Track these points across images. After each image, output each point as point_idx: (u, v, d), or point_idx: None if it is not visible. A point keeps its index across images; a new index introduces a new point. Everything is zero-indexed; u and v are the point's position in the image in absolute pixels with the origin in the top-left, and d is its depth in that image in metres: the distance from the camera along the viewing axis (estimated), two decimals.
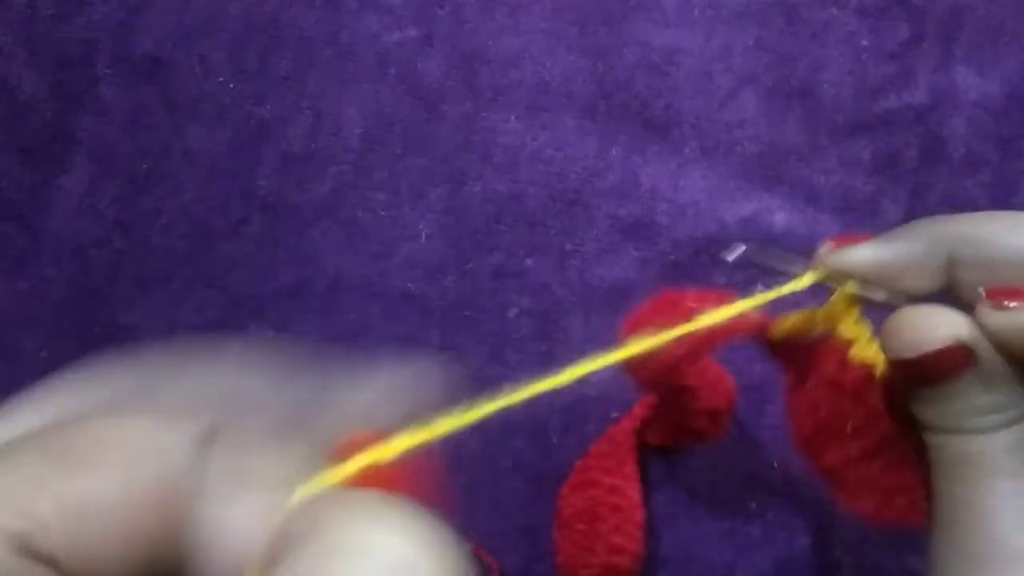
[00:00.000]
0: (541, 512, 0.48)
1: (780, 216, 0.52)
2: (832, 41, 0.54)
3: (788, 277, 0.34)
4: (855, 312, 0.33)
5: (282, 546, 0.19)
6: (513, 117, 0.54)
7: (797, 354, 0.33)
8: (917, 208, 0.53)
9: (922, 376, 0.30)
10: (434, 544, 0.18)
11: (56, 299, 0.53)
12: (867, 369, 0.32)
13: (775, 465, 0.49)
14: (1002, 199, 0.53)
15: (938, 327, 0.30)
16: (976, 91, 0.54)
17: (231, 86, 0.55)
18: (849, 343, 0.32)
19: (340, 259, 0.53)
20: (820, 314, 0.33)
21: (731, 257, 0.34)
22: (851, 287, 0.32)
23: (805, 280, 0.33)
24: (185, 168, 0.54)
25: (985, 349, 0.30)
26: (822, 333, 0.33)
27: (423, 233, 0.53)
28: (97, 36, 0.56)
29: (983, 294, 0.30)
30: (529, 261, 0.52)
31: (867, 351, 0.32)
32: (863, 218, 0.52)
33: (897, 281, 0.32)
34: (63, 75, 0.55)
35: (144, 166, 0.54)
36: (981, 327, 0.30)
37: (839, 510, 0.31)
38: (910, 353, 0.30)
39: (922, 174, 0.53)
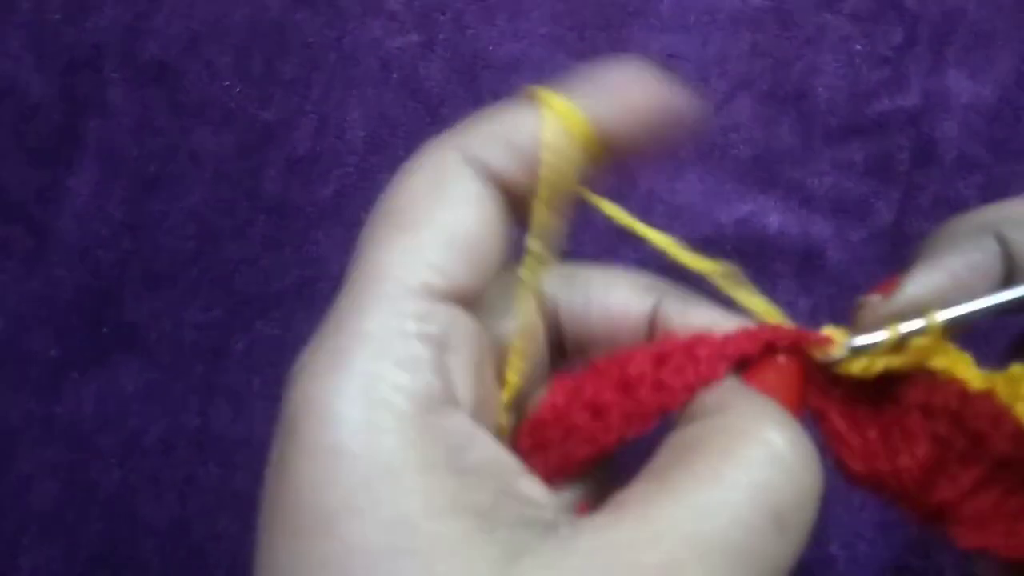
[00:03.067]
0: None
1: (774, 218, 0.53)
2: (826, 46, 0.55)
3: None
4: (946, 343, 0.29)
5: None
6: None
7: (863, 388, 0.29)
8: (909, 210, 0.53)
9: None
10: (809, 454, 0.22)
11: (65, 299, 0.54)
12: (966, 389, 0.28)
13: None
14: (994, 201, 0.53)
15: None
16: (968, 94, 0.55)
17: (237, 90, 0.55)
18: (937, 369, 0.29)
19: (344, 260, 0.53)
20: (907, 355, 0.29)
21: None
22: (936, 322, 0.28)
23: (885, 347, 0.28)
24: (192, 170, 0.55)
25: None
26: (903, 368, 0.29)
27: None
28: (105, 40, 0.56)
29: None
30: None
31: (960, 370, 0.29)
32: (856, 220, 0.53)
33: (964, 297, 0.28)
34: (71, 79, 0.56)
35: (151, 168, 0.55)
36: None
37: (960, 548, 0.28)
38: None
39: (915, 176, 0.54)
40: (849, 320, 0.30)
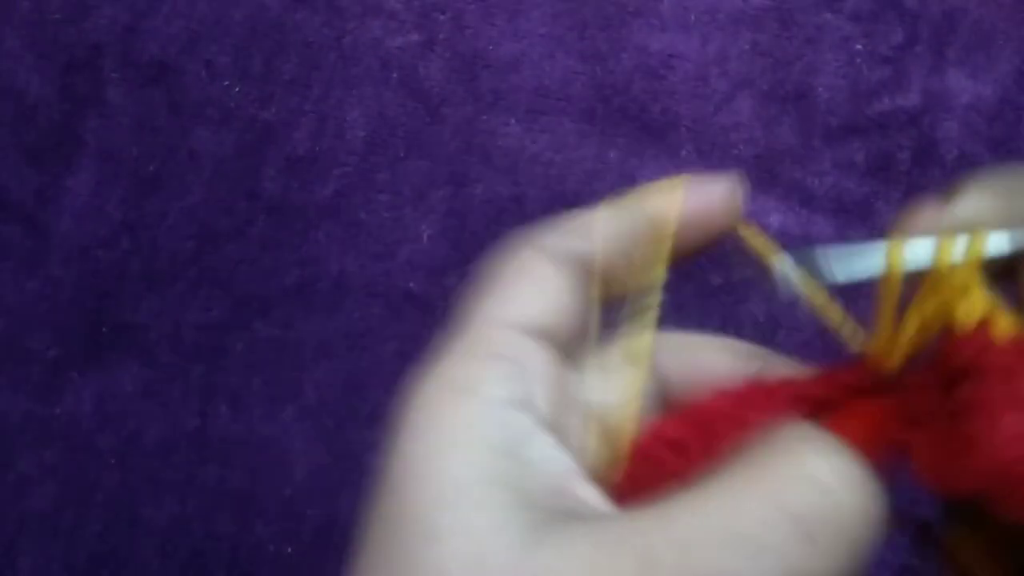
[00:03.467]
0: None
1: (775, 217, 0.53)
2: (826, 45, 0.55)
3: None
4: (977, 284, 0.25)
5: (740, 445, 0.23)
6: (513, 120, 0.54)
7: (916, 373, 0.25)
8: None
9: None
10: (855, 478, 0.21)
11: (64, 299, 0.54)
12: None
13: None
14: None
15: None
16: (969, 94, 0.55)
17: (236, 90, 0.55)
18: (983, 321, 0.25)
19: (343, 259, 0.53)
20: (933, 306, 0.25)
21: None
22: (978, 249, 0.24)
23: (942, 255, 0.24)
24: (191, 170, 0.55)
25: None
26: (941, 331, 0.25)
27: (425, 234, 0.54)
28: (104, 40, 0.56)
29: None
30: None
31: (1005, 319, 0.24)
32: (857, 220, 0.53)
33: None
34: (70, 79, 0.56)
35: (150, 168, 0.55)
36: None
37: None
38: None
39: (915, 176, 0.54)
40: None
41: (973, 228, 0.25)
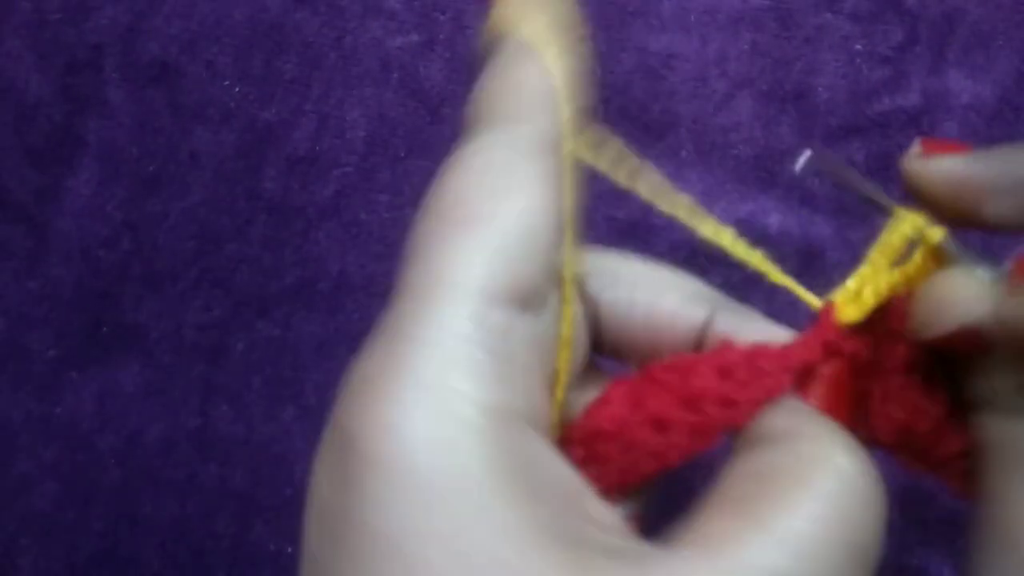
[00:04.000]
0: None
1: (775, 218, 0.53)
2: (826, 45, 0.55)
3: (860, 200, 0.29)
4: (932, 266, 0.28)
5: (759, 433, 0.23)
6: None
7: (874, 334, 0.28)
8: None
9: (953, 350, 0.26)
10: (876, 478, 0.22)
11: (64, 299, 0.54)
12: None
13: None
14: None
15: (948, 308, 0.26)
16: (969, 94, 0.55)
17: (237, 90, 0.56)
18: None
19: (344, 260, 0.53)
20: (900, 276, 0.28)
21: (798, 166, 0.30)
22: (937, 235, 0.27)
23: (904, 223, 0.28)
24: (191, 170, 0.55)
25: (1007, 331, 0.25)
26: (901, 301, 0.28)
27: None
28: (104, 40, 0.56)
29: (1008, 269, 0.26)
30: None
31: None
32: (857, 220, 0.53)
33: (979, 205, 0.27)
34: (71, 79, 0.56)
35: (151, 168, 0.55)
36: (998, 317, 0.26)
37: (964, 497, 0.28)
38: (921, 334, 0.26)
39: None
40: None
41: (927, 185, 0.28)
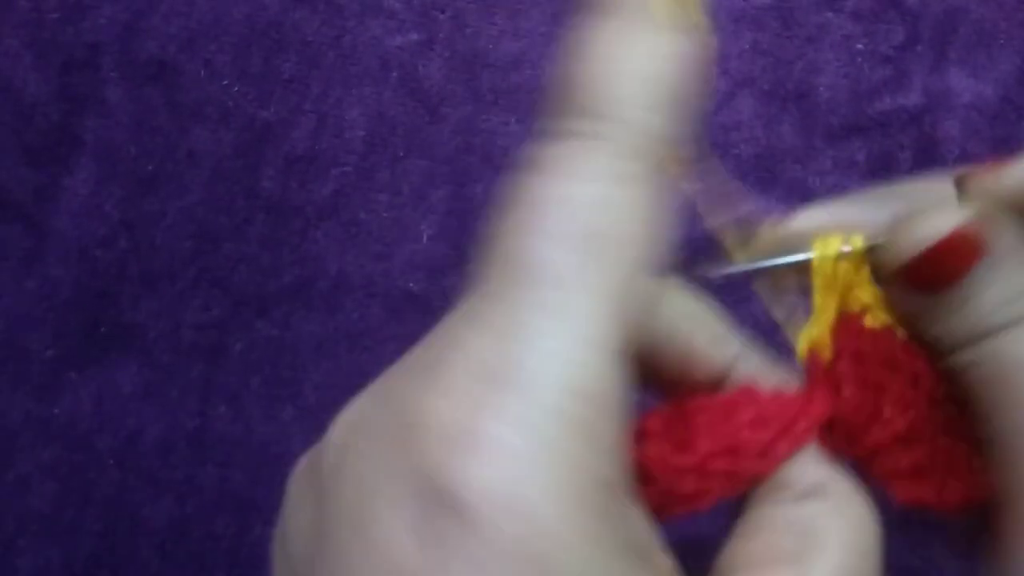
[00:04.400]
0: None
1: (775, 217, 0.53)
2: (827, 44, 0.55)
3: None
4: (865, 273, 0.28)
5: (786, 483, 0.24)
6: (513, 120, 0.54)
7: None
8: None
9: (933, 277, 0.25)
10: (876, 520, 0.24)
11: (62, 299, 0.54)
12: (894, 333, 0.27)
13: None
14: None
15: (934, 219, 0.26)
16: (970, 93, 0.54)
17: (235, 89, 0.55)
18: (862, 310, 0.28)
19: (343, 259, 0.53)
20: (820, 282, 0.29)
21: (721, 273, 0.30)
22: (859, 242, 0.28)
23: (826, 245, 0.29)
24: (189, 169, 0.55)
25: (996, 228, 0.26)
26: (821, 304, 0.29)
27: (425, 234, 0.53)
28: (102, 39, 0.56)
29: (965, 175, 0.27)
30: None
31: (884, 316, 0.28)
32: None
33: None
34: (69, 78, 0.56)
35: (149, 167, 0.55)
36: (986, 196, 0.26)
37: (896, 502, 0.28)
38: (910, 253, 0.26)
39: (917, 175, 0.54)
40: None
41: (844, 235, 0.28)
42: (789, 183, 0.54)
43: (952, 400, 0.27)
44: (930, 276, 0.26)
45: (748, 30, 0.55)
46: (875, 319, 0.28)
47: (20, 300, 0.54)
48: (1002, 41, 0.55)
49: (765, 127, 0.54)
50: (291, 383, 0.52)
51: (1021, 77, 0.55)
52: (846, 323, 0.28)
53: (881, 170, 0.54)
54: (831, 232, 0.29)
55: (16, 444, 0.52)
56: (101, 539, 0.51)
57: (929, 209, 0.27)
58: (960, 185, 0.29)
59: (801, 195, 0.54)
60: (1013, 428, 0.24)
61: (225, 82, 0.55)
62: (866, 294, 0.28)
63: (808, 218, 0.29)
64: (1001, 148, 0.54)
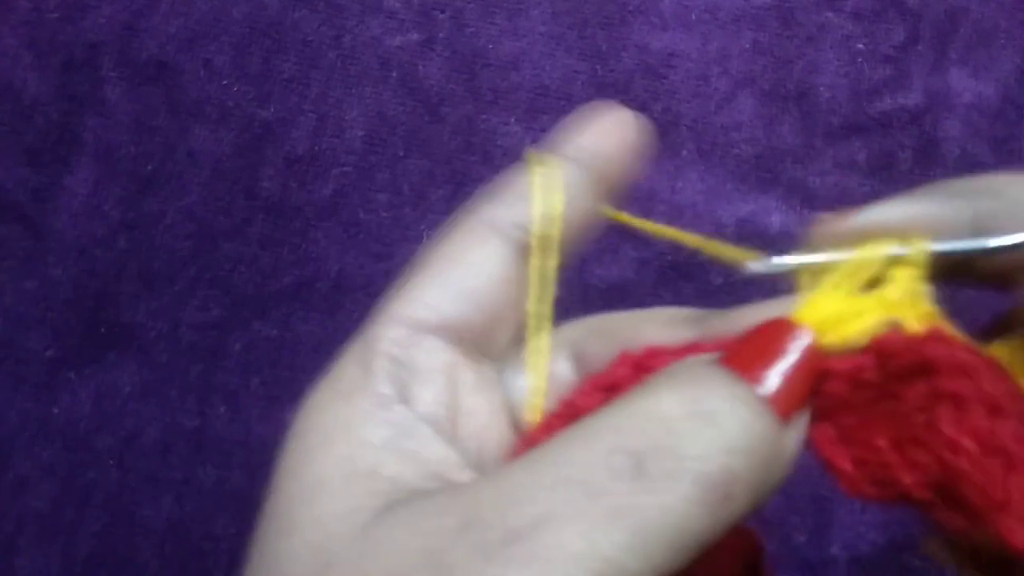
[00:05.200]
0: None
1: (776, 217, 0.53)
2: (828, 44, 0.55)
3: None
4: (921, 291, 0.25)
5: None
6: (513, 119, 0.54)
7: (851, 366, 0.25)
8: None
9: None
10: (730, 423, 0.21)
11: (62, 298, 0.53)
12: (979, 351, 0.24)
13: None
14: None
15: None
16: (971, 93, 0.54)
17: (235, 89, 0.55)
18: (933, 327, 0.24)
19: (342, 259, 0.53)
20: (875, 304, 0.25)
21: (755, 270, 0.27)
22: (921, 251, 0.25)
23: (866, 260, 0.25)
24: (189, 169, 0.55)
25: None
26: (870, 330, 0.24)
27: (424, 233, 0.53)
28: (102, 39, 0.56)
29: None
30: None
31: (950, 330, 0.24)
32: None
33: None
34: (68, 78, 0.56)
35: (149, 168, 0.55)
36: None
37: (1016, 550, 0.22)
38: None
39: (917, 175, 0.54)
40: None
41: (897, 233, 0.26)
42: (789, 183, 0.54)
43: None
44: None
45: (748, 30, 0.55)
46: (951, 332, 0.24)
47: (20, 300, 0.54)
48: (1002, 41, 0.55)
49: (766, 127, 0.54)
50: (291, 383, 0.52)
51: (1021, 77, 0.55)
52: (927, 338, 0.24)
53: (881, 170, 0.54)
54: (900, 230, 0.26)
55: (16, 444, 0.52)
56: (100, 539, 0.51)
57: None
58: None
59: (801, 195, 0.54)
60: None
61: (225, 82, 0.55)
62: (924, 314, 0.25)
63: (875, 214, 0.26)
64: (1001, 147, 0.54)
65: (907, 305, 0.25)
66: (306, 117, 0.55)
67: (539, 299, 0.26)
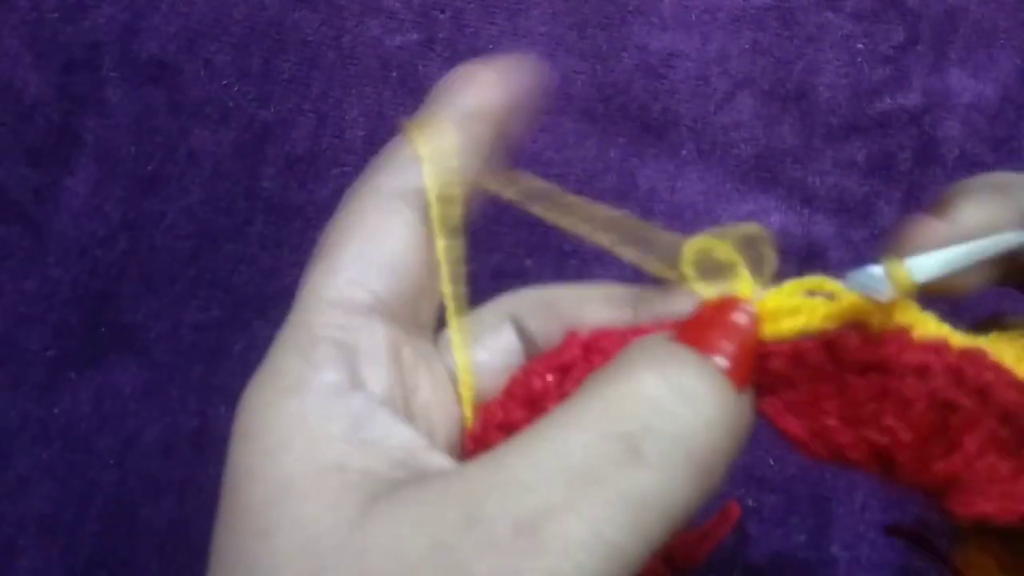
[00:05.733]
0: None
1: (776, 217, 0.53)
2: (827, 44, 0.55)
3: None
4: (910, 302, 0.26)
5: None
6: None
7: (818, 354, 0.26)
8: (912, 209, 0.53)
9: None
10: (695, 391, 0.21)
11: (62, 299, 0.53)
12: (952, 345, 0.26)
13: (772, 462, 0.50)
14: None
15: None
16: (970, 93, 0.54)
17: (235, 89, 0.55)
18: (907, 327, 0.26)
19: None
20: (820, 307, 0.27)
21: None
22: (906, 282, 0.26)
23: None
24: (190, 169, 0.55)
25: None
26: (851, 327, 0.26)
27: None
28: (102, 39, 0.56)
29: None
30: (529, 262, 0.53)
31: (931, 329, 0.26)
32: (858, 219, 0.53)
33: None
34: (68, 77, 0.56)
35: (149, 168, 0.55)
36: None
37: (957, 516, 0.25)
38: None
39: (917, 176, 0.54)
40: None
41: (979, 235, 0.26)
42: (789, 183, 0.54)
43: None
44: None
45: (748, 30, 0.55)
46: (925, 334, 0.26)
47: (19, 300, 0.54)
48: (1002, 41, 0.55)
49: (765, 127, 0.54)
50: None
51: (1021, 77, 0.55)
52: (884, 342, 0.26)
53: (881, 170, 0.54)
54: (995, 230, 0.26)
55: (15, 444, 0.52)
56: (100, 540, 0.51)
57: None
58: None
59: (801, 195, 0.54)
60: None
61: (225, 82, 0.55)
62: (909, 315, 0.26)
63: (972, 212, 0.26)
64: (1001, 148, 0.54)
65: (880, 309, 0.26)
66: (306, 117, 0.55)
67: (450, 264, 0.27)
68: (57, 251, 0.54)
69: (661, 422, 0.20)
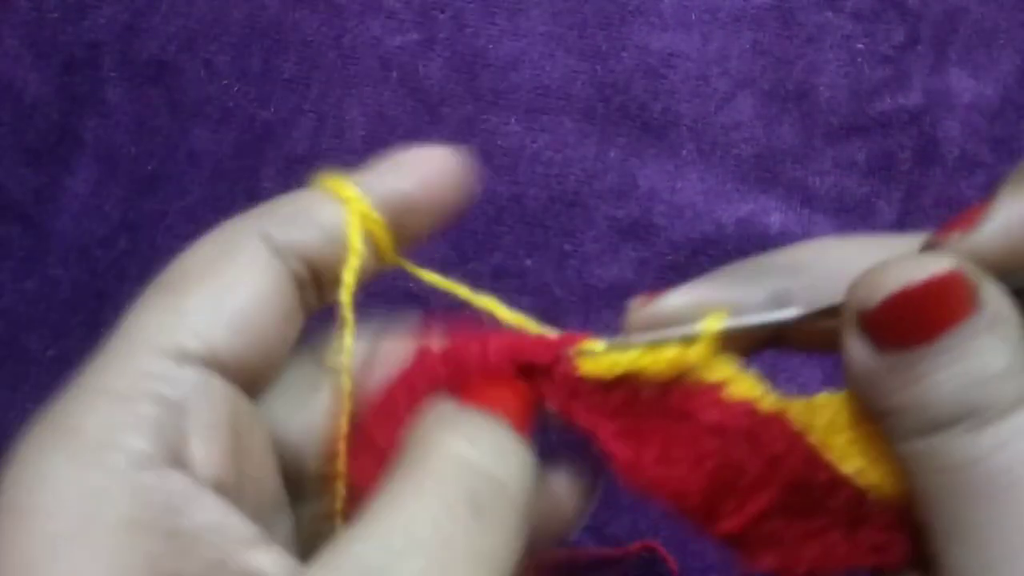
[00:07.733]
0: None
1: (776, 217, 0.53)
2: (828, 44, 0.55)
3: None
4: (723, 356, 0.28)
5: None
6: (513, 120, 0.54)
7: (630, 402, 0.28)
8: (911, 209, 0.53)
9: (907, 327, 0.21)
10: (502, 448, 0.23)
11: (62, 299, 0.53)
12: (756, 408, 0.27)
13: None
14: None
15: (924, 260, 0.22)
16: (970, 93, 0.54)
17: (235, 89, 0.55)
18: (720, 383, 0.27)
19: None
20: (670, 357, 0.28)
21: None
22: (717, 322, 0.27)
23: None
24: (190, 169, 0.55)
25: (987, 287, 0.22)
26: (668, 377, 0.28)
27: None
28: (103, 39, 0.56)
29: (934, 237, 0.24)
30: (529, 261, 0.53)
31: (745, 389, 0.27)
32: (858, 219, 0.53)
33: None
34: (69, 78, 0.56)
35: (149, 168, 0.55)
36: (960, 255, 0.22)
37: (740, 570, 0.27)
38: (889, 289, 0.22)
39: (916, 176, 0.54)
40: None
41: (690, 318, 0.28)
42: (789, 183, 0.54)
43: (818, 483, 0.26)
44: (904, 325, 0.22)
45: (748, 30, 0.55)
46: (737, 393, 0.27)
47: (20, 300, 0.54)
48: (1002, 41, 0.55)
49: (765, 127, 0.54)
50: None
51: (1021, 77, 0.55)
52: (693, 394, 0.28)
53: (881, 170, 0.54)
54: (703, 310, 0.28)
55: (16, 445, 0.52)
56: None
57: (914, 255, 0.23)
58: (932, 247, 0.25)
59: (801, 195, 0.54)
60: (977, 536, 0.21)
61: (225, 82, 0.55)
62: (723, 370, 0.28)
63: (678, 297, 0.28)
64: (1001, 148, 0.54)
65: (699, 362, 0.27)
66: (306, 117, 0.55)
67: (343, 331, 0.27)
68: (57, 251, 0.54)
69: (488, 483, 0.22)
